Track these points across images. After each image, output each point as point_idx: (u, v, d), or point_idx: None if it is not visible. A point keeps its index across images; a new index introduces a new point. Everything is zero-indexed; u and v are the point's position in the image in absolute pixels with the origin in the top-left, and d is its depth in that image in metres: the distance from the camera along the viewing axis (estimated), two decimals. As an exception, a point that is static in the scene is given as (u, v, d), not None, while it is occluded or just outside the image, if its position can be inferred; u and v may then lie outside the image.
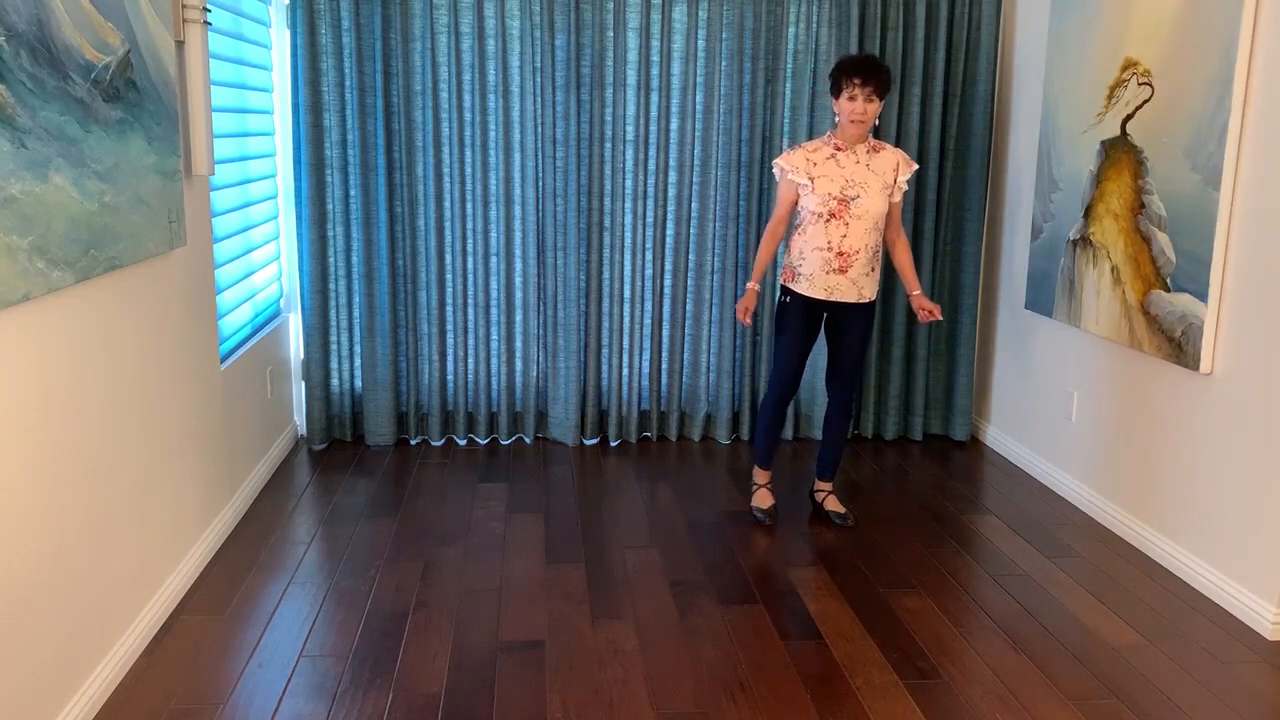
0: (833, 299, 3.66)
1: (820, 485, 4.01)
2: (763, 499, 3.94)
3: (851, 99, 3.51)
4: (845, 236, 3.59)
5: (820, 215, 3.59)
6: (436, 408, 4.72)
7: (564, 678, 2.77)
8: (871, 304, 3.72)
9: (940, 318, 3.71)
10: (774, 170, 3.71)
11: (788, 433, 4.91)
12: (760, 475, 3.98)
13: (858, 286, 3.64)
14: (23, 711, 2.25)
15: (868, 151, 3.62)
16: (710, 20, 4.51)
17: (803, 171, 3.61)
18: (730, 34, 4.52)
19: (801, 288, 3.68)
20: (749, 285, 3.73)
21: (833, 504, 3.95)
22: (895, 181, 3.62)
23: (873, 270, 3.66)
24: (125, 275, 2.82)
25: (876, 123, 3.63)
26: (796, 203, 3.68)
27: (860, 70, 3.49)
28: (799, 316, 3.71)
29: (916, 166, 3.69)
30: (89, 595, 2.57)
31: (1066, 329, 4.18)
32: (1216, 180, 3.25)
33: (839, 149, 3.62)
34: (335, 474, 4.34)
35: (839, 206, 3.57)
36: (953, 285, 4.84)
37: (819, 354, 4.80)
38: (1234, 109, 3.18)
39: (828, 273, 3.63)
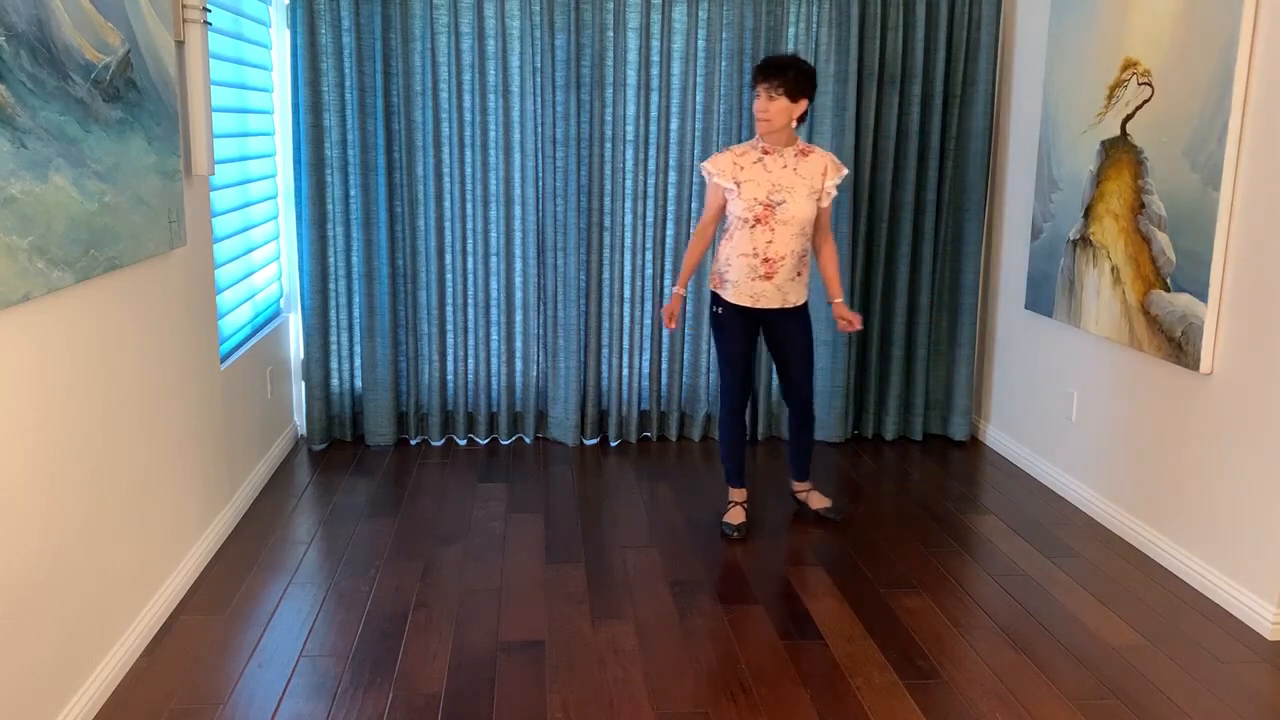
0: (759, 306, 3.60)
1: (798, 486, 3.98)
2: (735, 515, 3.81)
3: (756, 96, 3.48)
4: (771, 242, 3.52)
5: (746, 220, 3.53)
6: (436, 408, 4.72)
7: (564, 678, 2.77)
8: (803, 308, 3.67)
9: (860, 328, 3.66)
10: (702, 174, 3.66)
11: (788, 434, 4.90)
12: (736, 494, 3.85)
13: (783, 293, 3.59)
14: (23, 711, 2.25)
15: (795, 155, 3.54)
16: (710, 20, 4.51)
17: (729, 176, 3.54)
18: (730, 34, 4.52)
19: (729, 294, 3.62)
20: (674, 290, 3.69)
21: (817, 500, 3.93)
22: (823, 186, 3.55)
23: (798, 275, 3.60)
24: (125, 275, 2.82)
25: (795, 123, 3.50)
26: (724, 207, 3.62)
27: (762, 68, 3.44)
28: (733, 324, 3.65)
29: (846, 171, 3.60)
30: (89, 595, 2.57)
31: (1066, 329, 4.18)
32: (1216, 180, 3.25)
33: (766, 152, 3.54)
34: (335, 474, 4.34)
35: (764, 211, 3.50)
36: (953, 285, 4.84)
37: (821, 357, 4.80)
38: (1234, 109, 3.18)
39: (753, 279, 3.56)
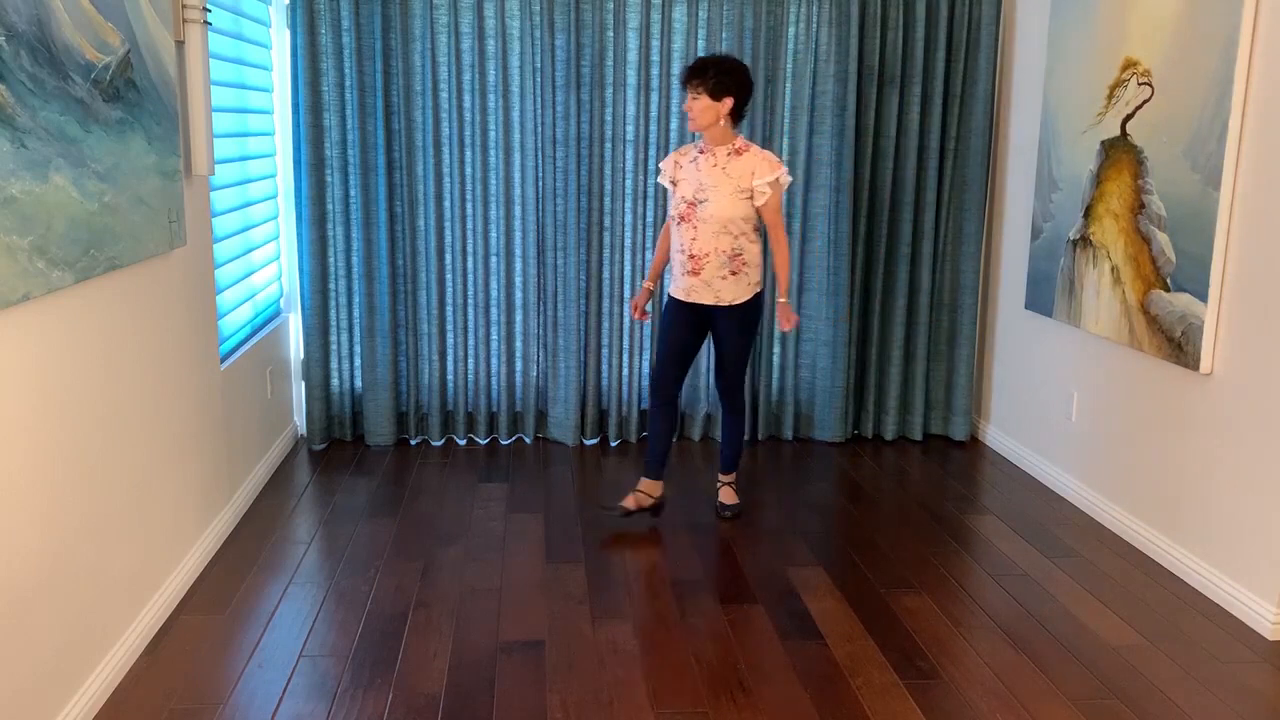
0: (690, 300, 3.67)
1: (721, 477, 3.99)
2: (628, 500, 3.81)
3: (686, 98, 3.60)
4: (694, 239, 3.60)
5: (673, 218, 3.66)
6: (436, 408, 4.72)
7: (564, 678, 2.77)
8: (739, 307, 3.66)
9: (788, 329, 3.68)
10: None
11: (788, 434, 4.91)
12: (643, 483, 3.85)
13: (713, 289, 3.63)
14: (23, 711, 2.25)
15: (729, 154, 3.58)
16: (710, 20, 4.51)
17: (668, 175, 3.69)
18: (730, 34, 4.52)
19: (669, 286, 3.77)
20: (644, 283, 3.80)
21: (725, 495, 3.95)
22: (752, 185, 3.55)
23: (731, 275, 3.61)
24: (125, 275, 2.82)
25: (724, 121, 3.54)
26: None
27: (687, 69, 3.55)
28: (670, 315, 3.76)
29: (780, 169, 3.55)
30: (89, 595, 2.57)
31: (1066, 329, 4.18)
32: (1216, 180, 3.25)
33: (702, 152, 3.63)
34: (335, 474, 4.34)
35: (687, 209, 3.60)
36: (953, 285, 4.83)
37: (821, 357, 4.80)
38: (1234, 109, 3.18)
39: (683, 274, 3.66)
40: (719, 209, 3.54)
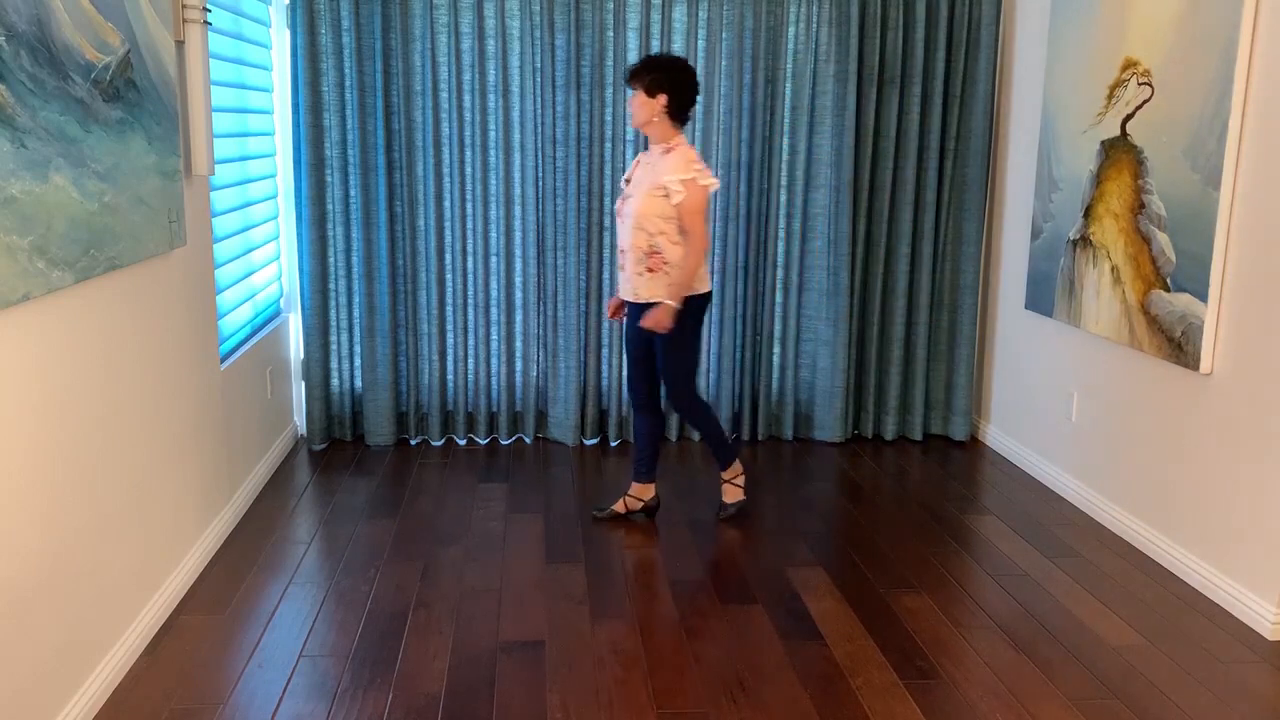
0: (623, 297, 3.74)
1: (721, 475, 3.95)
2: (618, 505, 3.90)
3: None
4: (622, 235, 3.68)
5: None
6: (436, 408, 4.72)
7: (564, 678, 2.77)
8: (652, 306, 3.60)
9: (644, 326, 3.57)
10: None
11: (788, 434, 4.90)
12: (632, 488, 3.91)
13: (631, 286, 3.66)
14: (23, 711, 2.25)
15: (661, 153, 3.60)
16: (710, 20, 4.51)
17: (626, 175, 3.78)
18: (730, 34, 4.52)
19: None
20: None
21: (725, 493, 3.95)
22: (663, 181, 3.52)
23: (648, 272, 3.60)
24: (125, 275, 2.82)
25: (661, 118, 3.54)
26: None
27: (628, 67, 3.61)
28: (626, 316, 3.80)
29: (694, 170, 3.48)
30: (89, 595, 2.57)
31: (1066, 329, 4.18)
32: (1216, 180, 3.25)
33: (646, 151, 3.72)
34: (335, 474, 4.34)
35: (620, 205, 3.69)
36: (953, 285, 4.83)
37: (821, 357, 4.80)
38: (1234, 109, 3.18)
39: (619, 269, 3.74)
40: (636, 205, 3.58)
